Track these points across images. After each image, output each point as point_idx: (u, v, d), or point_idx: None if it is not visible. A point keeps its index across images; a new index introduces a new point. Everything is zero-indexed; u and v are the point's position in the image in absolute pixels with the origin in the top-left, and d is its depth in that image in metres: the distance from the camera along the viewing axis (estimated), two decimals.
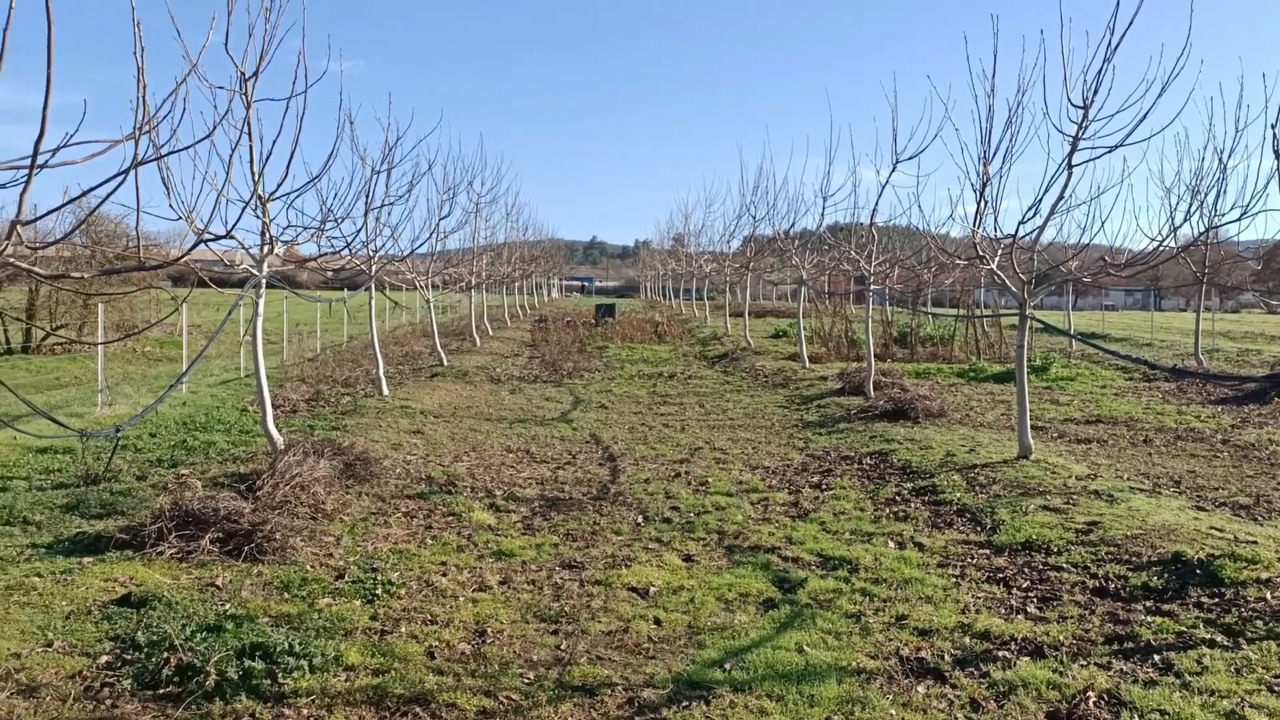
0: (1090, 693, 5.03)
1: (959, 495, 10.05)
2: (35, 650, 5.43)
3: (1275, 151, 6.66)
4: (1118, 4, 9.87)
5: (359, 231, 11.44)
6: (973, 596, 6.94)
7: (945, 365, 24.24)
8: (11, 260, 5.60)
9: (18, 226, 5.33)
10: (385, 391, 17.30)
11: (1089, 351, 26.61)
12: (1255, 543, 7.50)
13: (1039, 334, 30.29)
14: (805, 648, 5.87)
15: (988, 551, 8.14)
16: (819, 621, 6.39)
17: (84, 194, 5.70)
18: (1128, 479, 10.84)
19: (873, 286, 18.49)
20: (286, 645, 5.24)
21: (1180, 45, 9.86)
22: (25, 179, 5.31)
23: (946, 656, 5.74)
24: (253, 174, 10.68)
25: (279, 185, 10.79)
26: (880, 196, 19.77)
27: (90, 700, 4.84)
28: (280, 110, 10.45)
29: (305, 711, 4.83)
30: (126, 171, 5.36)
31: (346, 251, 14.80)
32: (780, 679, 5.37)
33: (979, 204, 11.40)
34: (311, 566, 7.29)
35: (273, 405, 16.19)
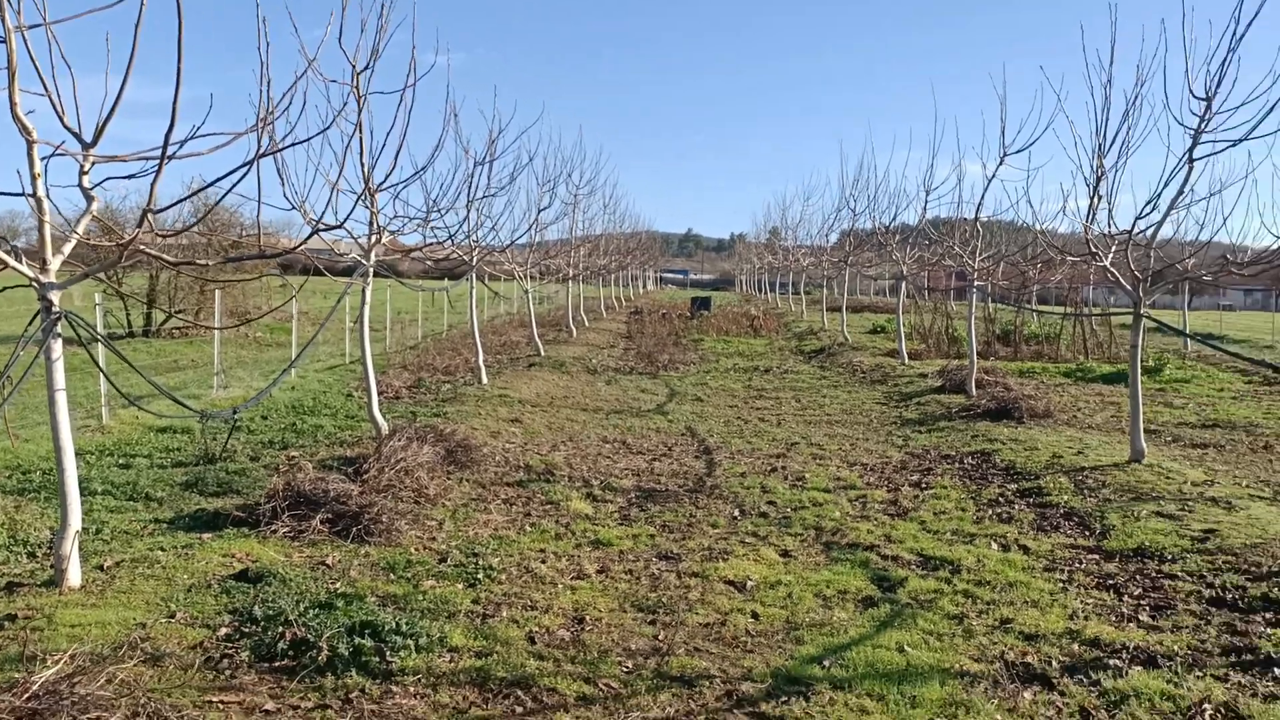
0: (1206, 705, 4.85)
1: (1066, 498, 9.78)
2: (160, 620, 5.69)
3: None
4: None
5: (462, 222, 11.63)
6: (1081, 602, 6.75)
7: (1051, 364, 23.58)
8: (143, 247, 5.87)
9: (149, 215, 5.59)
10: (484, 380, 17.60)
11: (1205, 353, 25.60)
12: None
13: (1152, 334, 29.23)
14: (906, 648, 5.79)
15: (1097, 557, 7.90)
16: (920, 622, 6.29)
17: (210, 184, 5.93)
18: (1247, 486, 10.39)
19: (975, 283, 18.06)
20: (394, 624, 5.39)
21: None
22: (156, 169, 5.56)
23: (1054, 663, 5.59)
24: (363, 166, 11.00)
25: (386, 177, 11.10)
26: (986, 190, 19.31)
27: (211, 670, 5.06)
28: (387, 103, 10.82)
29: (412, 689, 4.96)
30: (251, 163, 5.57)
31: (449, 242, 15.11)
32: (881, 678, 5.31)
33: (1092, 198, 11.06)
34: (415, 549, 7.47)
35: (377, 392, 16.71)
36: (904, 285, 23.76)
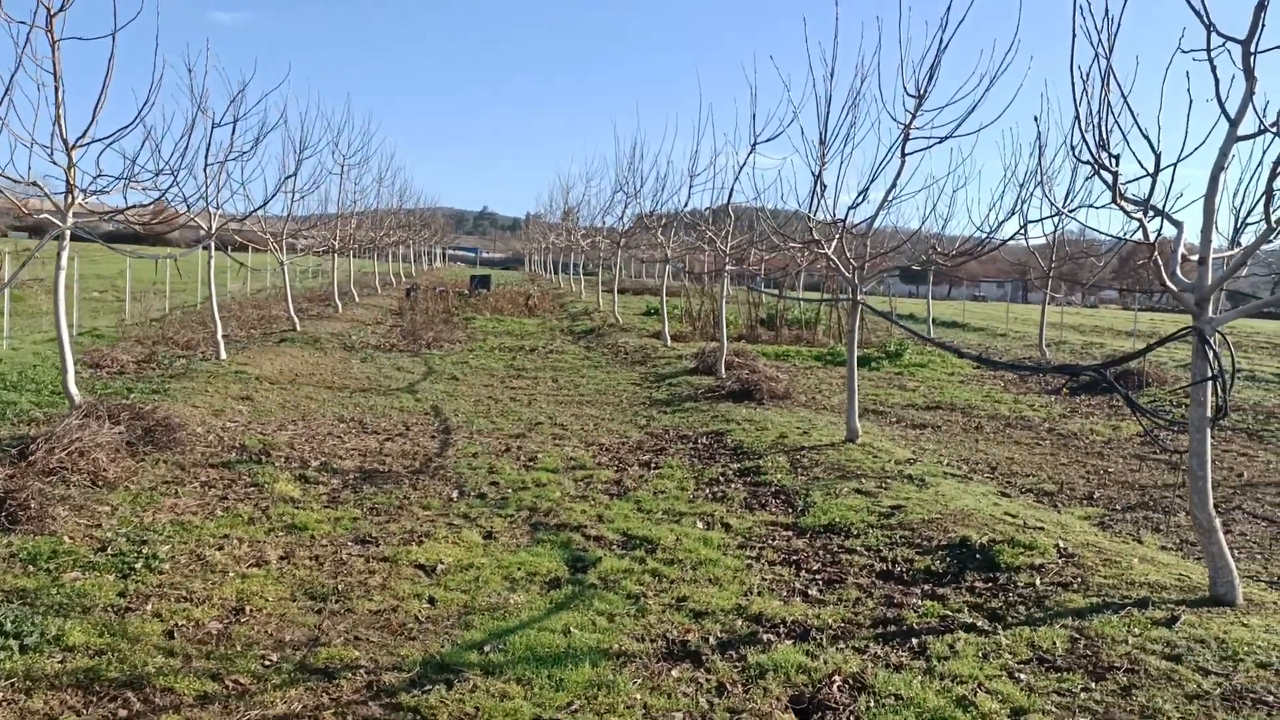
0: (836, 676, 5.02)
1: (780, 477, 10.08)
2: None
3: (1071, 147, 6.75)
4: None
5: (172, 182, 10.77)
6: (761, 578, 6.91)
7: (807, 348, 24.56)
8: None
9: None
10: (223, 355, 16.59)
11: (944, 339, 27.34)
12: (1041, 529, 7.69)
13: (903, 320, 31.00)
14: (572, 629, 5.73)
15: (790, 534, 8.15)
16: (597, 603, 6.26)
17: None
18: (946, 464, 11.06)
19: (730, 268, 18.52)
20: None
21: (1009, 40, 9.99)
22: None
23: (712, 639, 5.67)
24: (58, 118, 10.04)
25: (85, 132, 10.15)
26: (737, 178, 19.84)
27: None
28: (98, 53, 9.94)
29: (1, 695, 4.46)
30: None
31: (181, 206, 14.03)
32: (536, 662, 5.21)
33: (815, 187, 11.44)
34: (71, 538, 6.82)
35: (100, 366, 15.42)
36: (668, 268, 24.15)
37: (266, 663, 5.09)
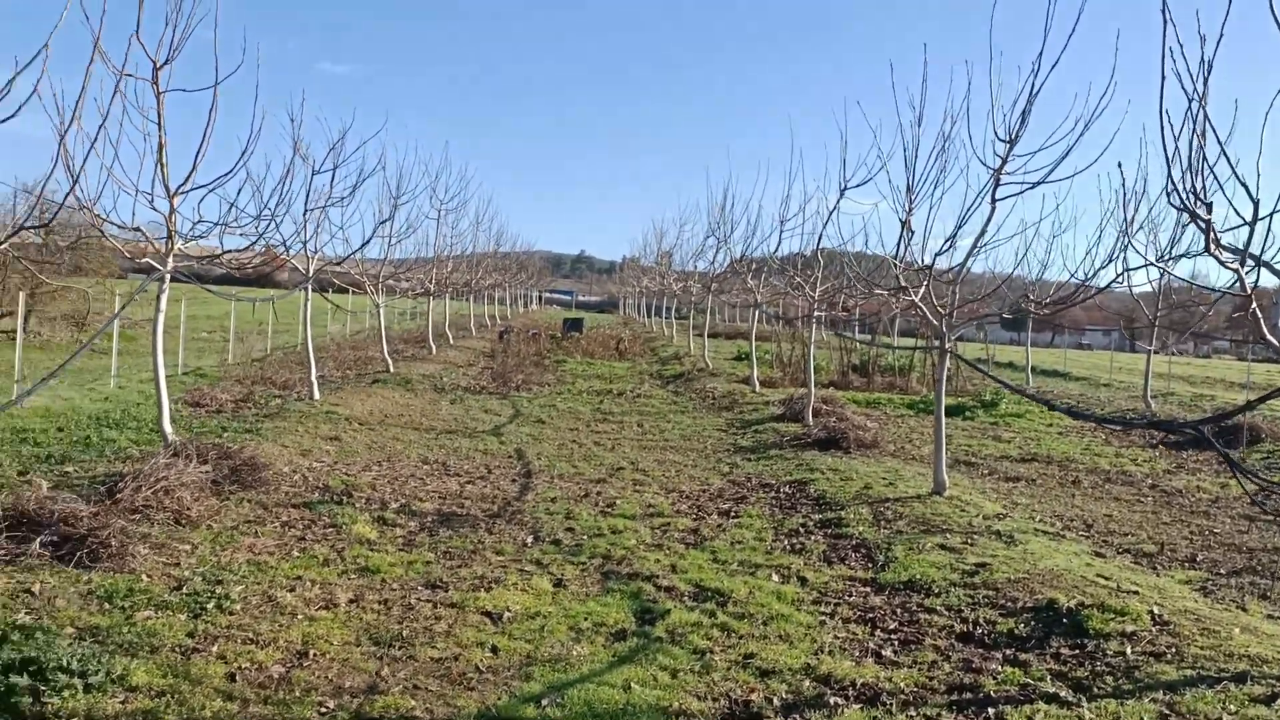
0: None
1: (862, 529, 9.79)
2: None
3: (1166, 192, 6.44)
4: (1044, 42, 9.69)
5: (269, 225, 11.13)
6: (834, 636, 6.68)
7: (899, 396, 24.03)
8: None
9: None
10: (317, 396, 16.98)
11: (1043, 388, 26.48)
12: (1136, 593, 7.27)
13: (1002, 369, 30.14)
14: (633, 685, 5.60)
15: (868, 589, 7.87)
16: (661, 657, 6.10)
17: None
18: (1039, 520, 10.61)
19: (819, 313, 18.27)
20: (63, 661, 4.93)
21: (1105, 83, 9.66)
22: None
23: (776, 700, 5.47)
24: (161, 166, 10.47)
25: (186, 178, 10.56)
26: (826, 223, 19.61)
27: None
28: (199, 104, 10.41)
29: None
30: None
31: (280, 249, 14.54)
32: (592, 718, 5.09)
33: (902, 233, 11.20)
34: (148, 576, 6.97)
35: (200, 404, 15.96)
36: (755, 313, 24.01)
37: (322, 710, 5.08)
